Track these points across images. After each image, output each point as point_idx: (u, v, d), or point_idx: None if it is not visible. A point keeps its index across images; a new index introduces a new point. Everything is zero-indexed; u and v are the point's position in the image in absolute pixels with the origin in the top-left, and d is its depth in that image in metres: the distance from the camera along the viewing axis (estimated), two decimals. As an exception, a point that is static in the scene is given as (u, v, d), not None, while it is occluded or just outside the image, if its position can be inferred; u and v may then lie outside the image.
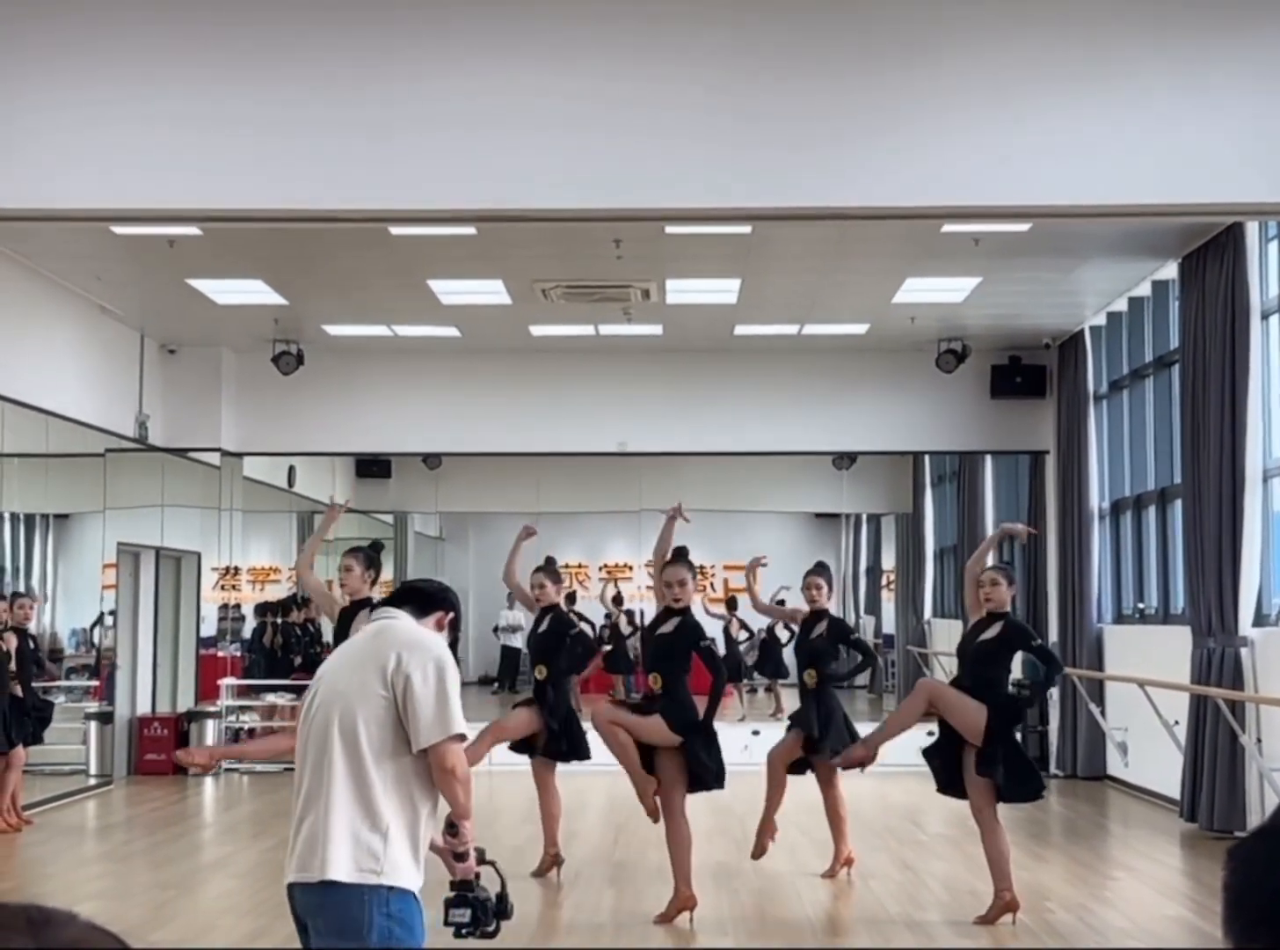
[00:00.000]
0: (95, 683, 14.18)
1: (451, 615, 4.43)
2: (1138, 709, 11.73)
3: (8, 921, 1.12)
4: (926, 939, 7.73)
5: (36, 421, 12.41)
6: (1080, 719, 13.96)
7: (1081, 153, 6.64)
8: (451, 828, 4.17)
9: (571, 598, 18.59)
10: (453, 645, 4.39)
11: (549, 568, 9.77)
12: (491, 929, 4.29)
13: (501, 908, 4.31)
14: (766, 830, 9.13)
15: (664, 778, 7.97)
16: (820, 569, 9.64)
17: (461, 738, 4.07)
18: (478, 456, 16.39)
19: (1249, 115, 6.62)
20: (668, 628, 8.03)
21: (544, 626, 9.42)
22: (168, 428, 14.98)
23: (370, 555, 8.49)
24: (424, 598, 4.43)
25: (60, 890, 8.92)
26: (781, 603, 12.10)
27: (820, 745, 9.05)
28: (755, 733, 14.82)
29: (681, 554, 8.24)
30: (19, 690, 11.18)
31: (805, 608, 9.52)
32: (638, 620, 19.04)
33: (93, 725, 13.80)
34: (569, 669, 9.50)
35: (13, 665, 11.16)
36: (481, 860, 4.33)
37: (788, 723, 9.49)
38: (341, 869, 3.95)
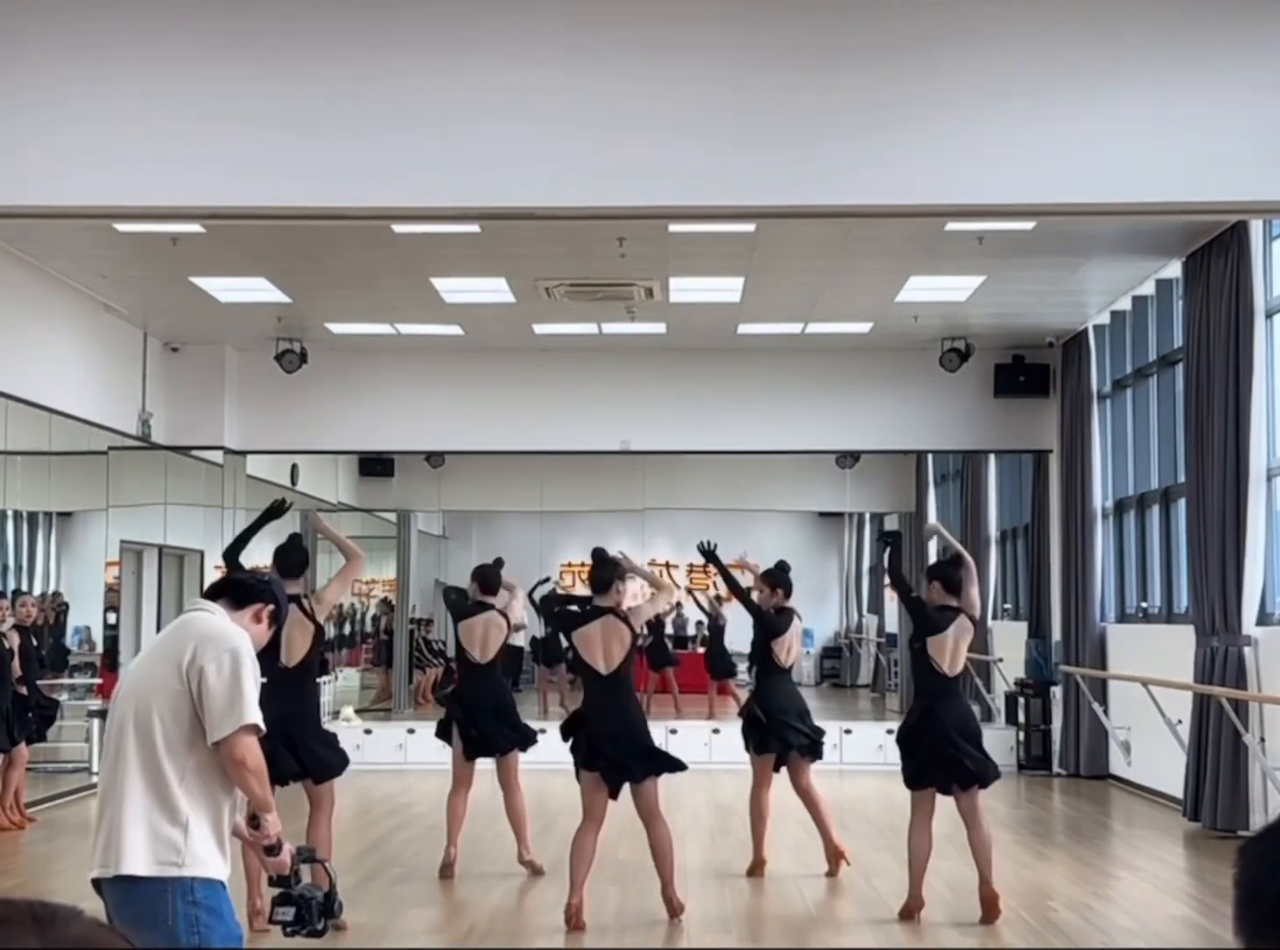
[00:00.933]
0: (98, 680, 14.20)
1: (271, 607, 4.41)
2: (1141, 708, 11.74)
3: (13, 917, 1.13)
4: (931, 940, 7.73)
5: (39, 419, 12.42)
6: (1083, 718, 13.96)
7: (1085, 151, 6.63)
8: (254, 820, 4.16)
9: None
10: (275, 638, 4.46)
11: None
12: (320, 928, 4.26)
13: (329, 907, 4.27)
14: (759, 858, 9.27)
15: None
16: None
17: (255, 729, 4.06)
18: (481, 455, 16.40)
19: (1254, 113, 6.61)
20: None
21: None
22: (170, 426, 14.99)
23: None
24: (242, 590, 4.44)
25: (64, 888, 8.92)
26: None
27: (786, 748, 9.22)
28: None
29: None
30: (23, 688, 11.19)
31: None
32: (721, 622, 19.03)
33: (95, 723, 13.81)
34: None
35: (15, 663, 11.17)
36: (310, 859, 4.35)
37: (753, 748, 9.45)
38: (140, 863, 3.96)
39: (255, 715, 4.07)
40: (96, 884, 4.10)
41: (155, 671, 4.15)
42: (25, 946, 1.11)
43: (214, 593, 4.44)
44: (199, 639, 4.13)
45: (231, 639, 4.16)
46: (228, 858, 4.12)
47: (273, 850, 4.20)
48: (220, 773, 4.09)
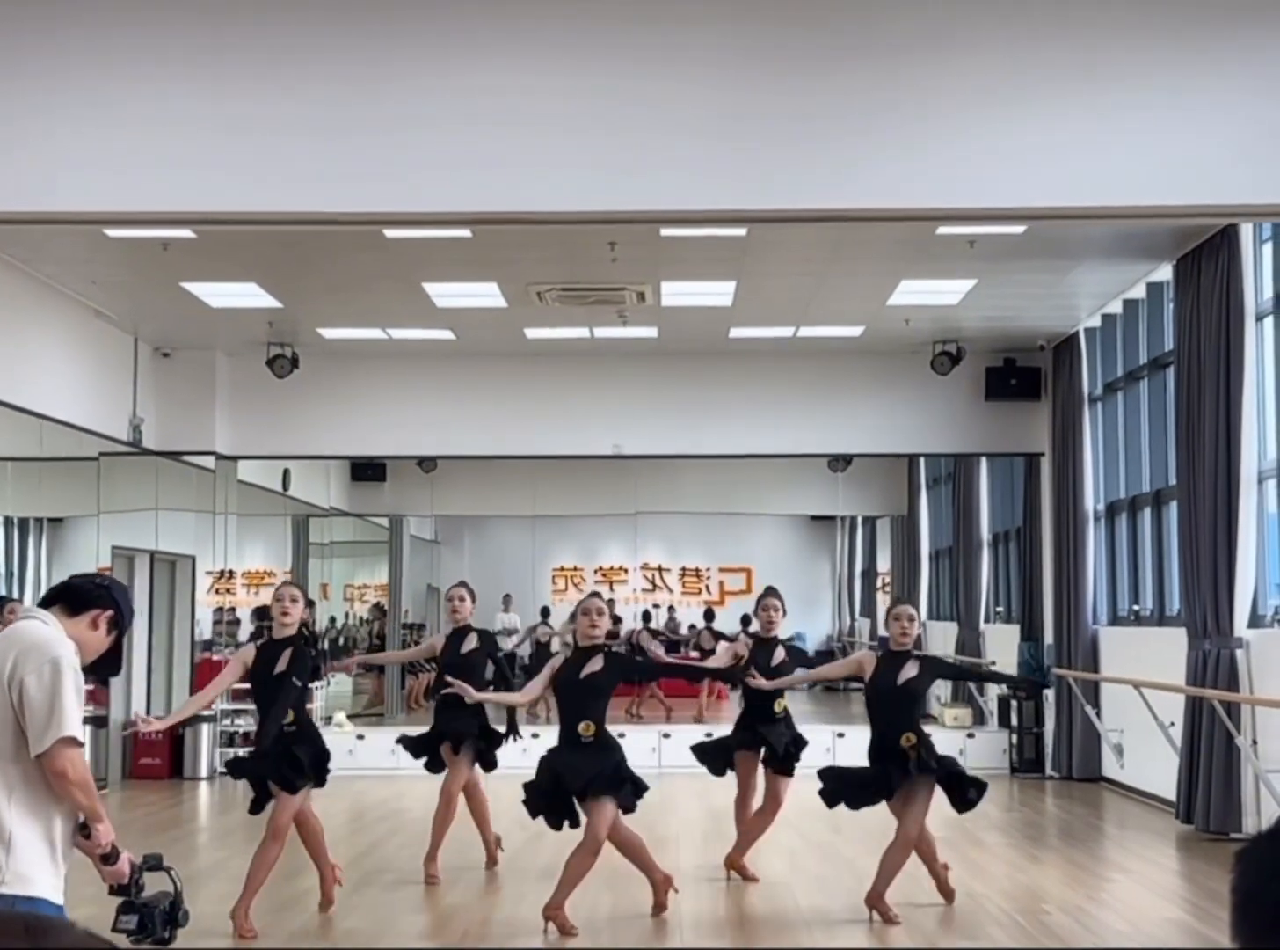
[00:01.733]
0: (90, 687, 14.16)
1: (110, 613, 4.22)
2: (1133, 711, 11.74)
3: (6, 929, 1.12)
4: (922, 938, 7.72)
5: (31, 425, 12.39)
6: (1076, 721, 13.96)
7: (1076, 155, 6.64)
8: (84, 829, 4.08)
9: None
10: (116, 645, 4.25)
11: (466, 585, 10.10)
12: (166, 936, 4.18)
13: (174, 915, 4.18)
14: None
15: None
16: (774, 592, 9.67)
17: (73, 741, 3.93)
18: (473, 459, 16.38)
19: (1242, 117, 6.62)
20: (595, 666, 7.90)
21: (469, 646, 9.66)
22: (162, 431, 14.96)
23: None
24: (76, 595, 4.23)
25: (55, 895, 8.90)
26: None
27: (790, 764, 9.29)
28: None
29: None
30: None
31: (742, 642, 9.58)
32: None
33: (87, 729, 13.76)
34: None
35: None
36: (156, 867, 4.26)
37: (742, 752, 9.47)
38: None
39: (75, 727, 3.94)
40: None
41: None
42: None
43: (48, 599, 4.24)
44: (20, 649, 3.99)
45: (53, 648, 3.99)
46: (60, 875, 4.00)
47: (108, 859, 4.11)
48: (48, 785, 3.96)
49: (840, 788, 8.24)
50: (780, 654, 9.42)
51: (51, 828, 3.97)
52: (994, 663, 15.76)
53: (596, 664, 7.83)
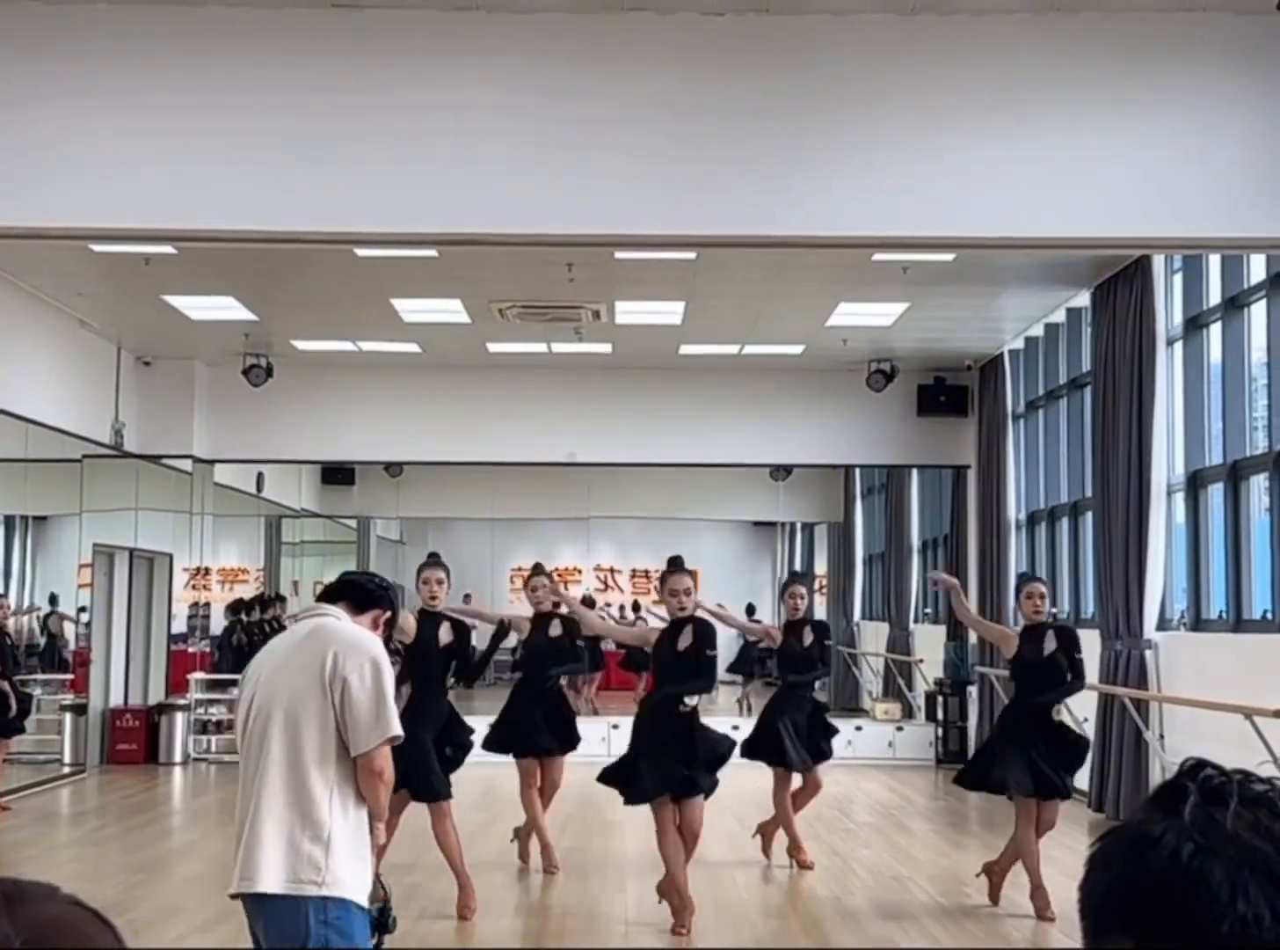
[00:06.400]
0: (71, 676, 14.02)
1: (389, 614, 4.07)
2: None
3: None
4: (855, 925, 7.74)
5: (16, 428, 12.26)
6: (997, 716, 14.02)
7: (1002, 189, 6.70)
8: None
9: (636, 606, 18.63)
10: (385, 644, 4.06)
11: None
12: (374, 943, 4.01)
13: (384, 921, 4.02)
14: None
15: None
16: (798, 578, 9.40)
17: (394, 740, 3.79)
18: (437, 465, 16.32)
19: (1155, 157, 6.70)
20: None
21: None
22: (142, 435, 14.83)
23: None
24: (362, 594, 4.04)
25: (36, 872, 8.74)
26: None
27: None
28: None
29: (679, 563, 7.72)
30: (3, 683, 11.04)
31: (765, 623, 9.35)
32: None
33: (68, 717, 13.64)
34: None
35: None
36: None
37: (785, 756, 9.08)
38: (281, 881, 3.66)
39: (398, 726, 3.78)
40: (237, 897, 3.80)
41: (298, 681, 3.76)
42: None
43: (333, 595, 4.01)
44: (338, 647, 3.76)
45: (370, 647, 3.81)
46: (368, 874, 3.82)
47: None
48: (356, 786, 3.76)
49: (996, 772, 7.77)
50: (809, 634, 9.26)
51: (362, 827, 3.79)
52: (921, 660, 15.86)
53: (687, 639, 7.34)
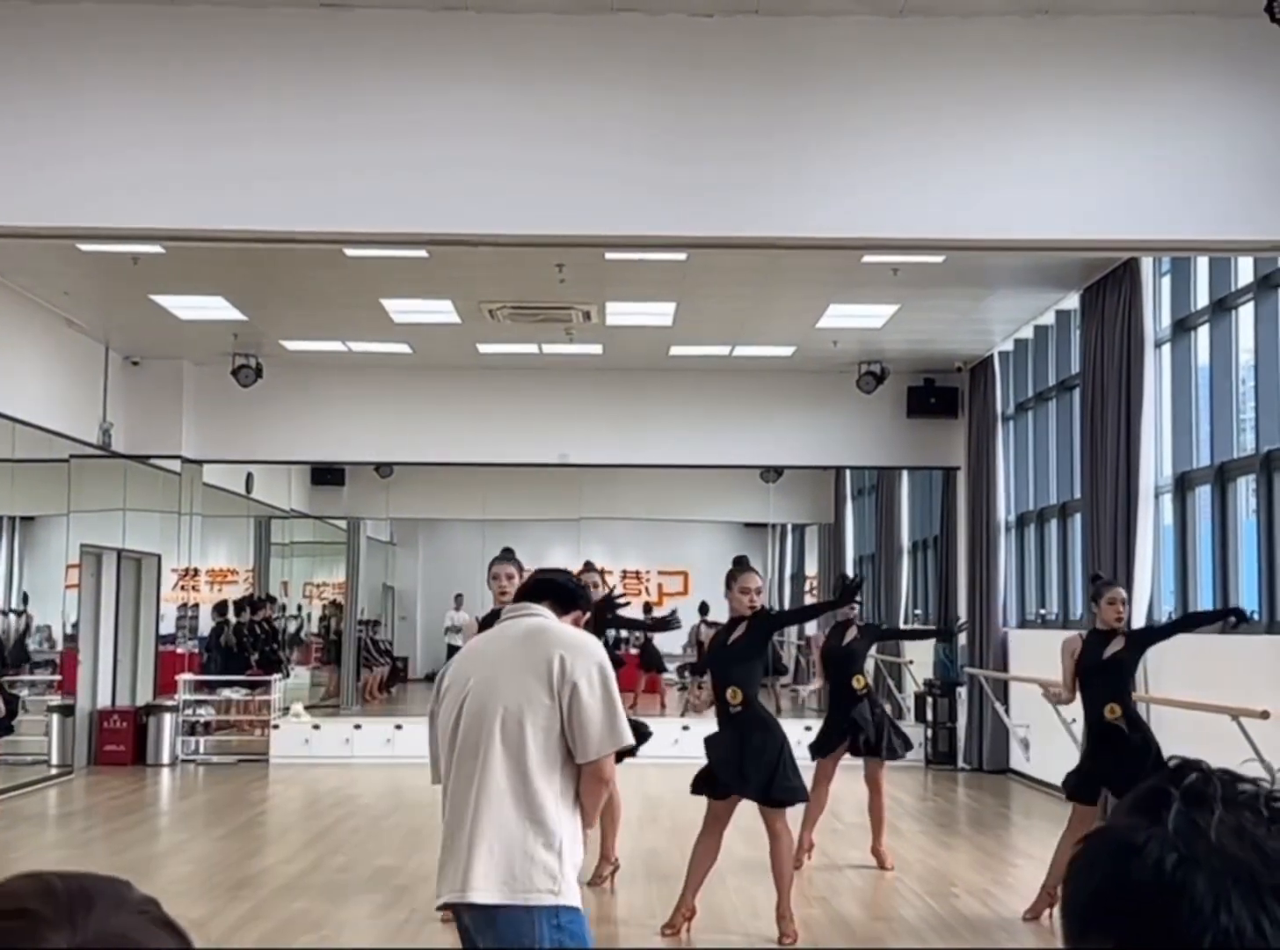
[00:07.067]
0: (58, 677, 13.99)
1: (587, 616, 3.95)
2: (1039, 708, 11.79)
3: (33, 906, 0.86)
4: (844, 925, 7.75)
5: (4, 428, 12.23)
6: (986, 716, 14.08)
7: (992, 191, 6.72)
8: None
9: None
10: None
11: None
12: None
13: None
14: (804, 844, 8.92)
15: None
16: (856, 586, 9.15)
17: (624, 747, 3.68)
18: (427, 466, 16.31)
19: (1143, 159, 6.73)
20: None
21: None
22: (130, 436, 14.80)
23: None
24: (565, 594, 3.88)
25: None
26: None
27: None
28: (685, 728, 14.85)
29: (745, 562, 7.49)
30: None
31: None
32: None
33: (55, 717, 13.60)
34: None
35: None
36: None
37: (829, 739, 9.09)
38: (512, 890, 3.51)
39: (630, 735, 3.65)
40: (453, 906, 3.64)
41: (520, 683, 3.60)
42: (50, 947, 0.84)
43: (536, 593, 3.86)
44: (564, 650, 3.61)
45: (596, 651, 3.67)
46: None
47: None
48: (576, 791, 3.63)
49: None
50: (852, 632, 9.27)
51: (579, 834, 3.65)
52: (911, 661, 15.87)
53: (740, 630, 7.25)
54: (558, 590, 3.88)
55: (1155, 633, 7.97)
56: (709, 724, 7.57)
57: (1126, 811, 1.02)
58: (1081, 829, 7.36)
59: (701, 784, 7.29)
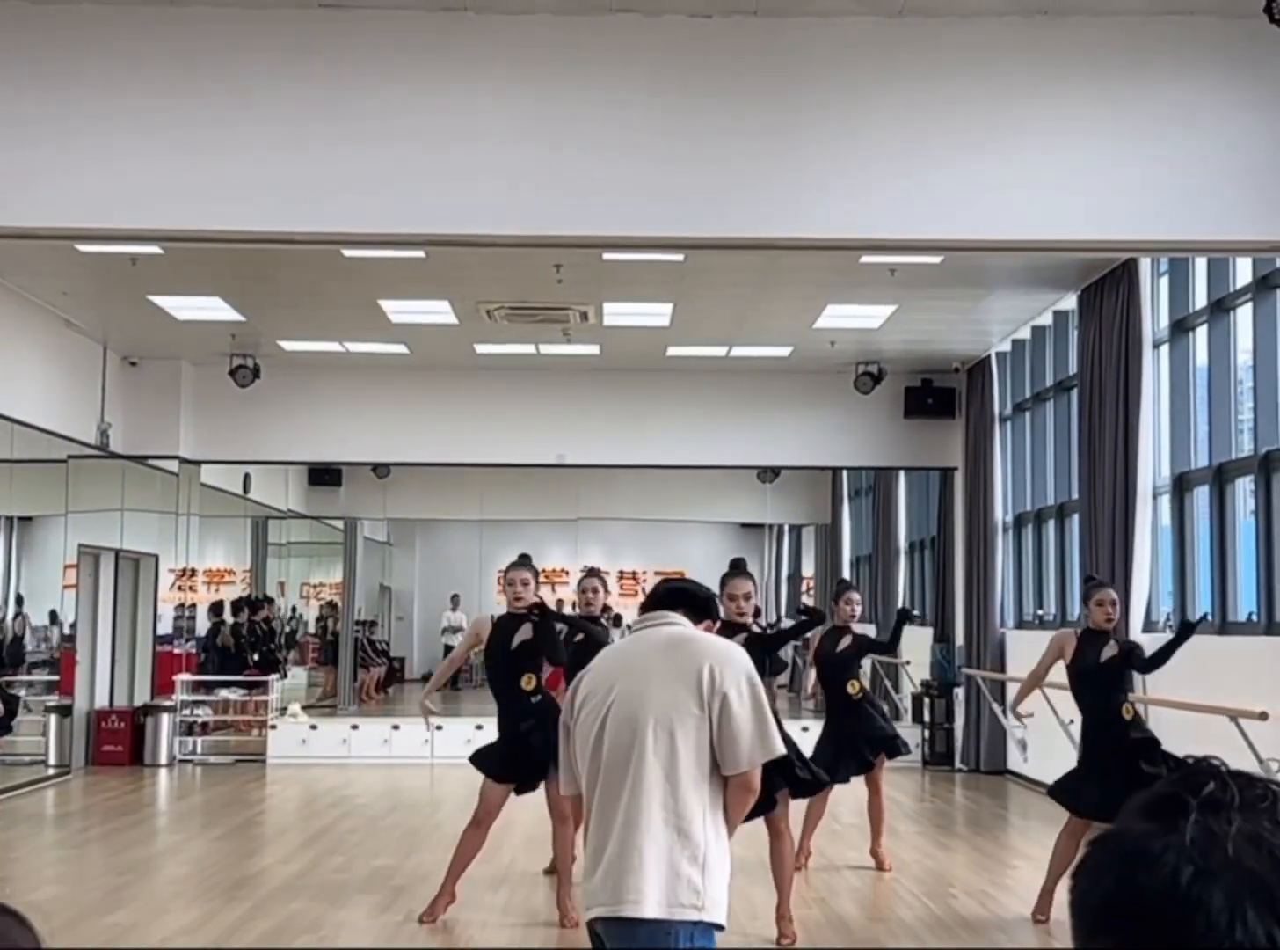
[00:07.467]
0: (56, 677, 13.97)
1: (718, 624, 3.88)
2: (1036, 709, 11.83)
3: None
4: (841, 926, 7.75)
5: (2, 428, 12.22)
6: (984, 717, 14.07)
7: (990, 191, 6.72)
8: None
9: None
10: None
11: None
12: None
13: None
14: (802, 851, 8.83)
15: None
16: (851, 586, 9.27)
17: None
18: (424, 466, 16.30)
19: (1142, 160, 6.72)
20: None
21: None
22: (128, 436, 14.79)
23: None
24: (698, 603, 3.82)
25: (21, 875, 8.78)
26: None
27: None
28: None
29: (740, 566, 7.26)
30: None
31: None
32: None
33: (53, 718, 13.59)
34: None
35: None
36: None
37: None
38: (659, 904, 3.43)
39: (781, 745, 3.61)
40: (591, 922, 3.56)
41: (669, 693, 3.52)
42: None
43: (670, 602, 3.78)
44: (713, 660, 3.54)
45: (744, 660, 3.60)
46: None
47: None
48: (723, 803, 3.56)
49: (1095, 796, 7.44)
50: (848, 639, 9.27)
51: (725, 846, 3.58)
52: (908, 662, 15.86)
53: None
54: (692, 599, 3.82)
55: (1137, 664, 7.93)
56: None
57: (1140, 815, 1.01)
58: (1081, 829, 7.37)
59: None
